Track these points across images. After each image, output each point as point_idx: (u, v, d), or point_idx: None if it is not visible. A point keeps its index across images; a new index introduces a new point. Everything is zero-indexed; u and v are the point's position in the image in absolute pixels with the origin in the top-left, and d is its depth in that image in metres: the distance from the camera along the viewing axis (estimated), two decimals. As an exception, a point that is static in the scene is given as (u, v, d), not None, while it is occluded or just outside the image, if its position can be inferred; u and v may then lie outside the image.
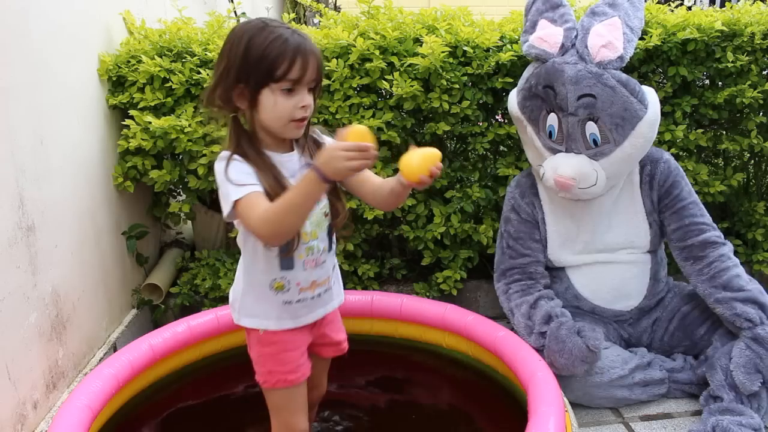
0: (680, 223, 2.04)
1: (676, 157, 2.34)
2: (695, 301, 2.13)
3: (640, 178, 2.07)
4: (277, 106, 1.25)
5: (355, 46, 2.17)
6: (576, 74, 1.89)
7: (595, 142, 1.95)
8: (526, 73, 2.05)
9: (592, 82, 1.89)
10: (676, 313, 2.15)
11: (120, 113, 2.32)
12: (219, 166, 1.26)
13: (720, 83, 2.35)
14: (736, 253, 2.49)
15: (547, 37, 1.96)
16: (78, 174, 2.04)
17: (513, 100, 2.08)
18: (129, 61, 2.25)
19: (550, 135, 2.01)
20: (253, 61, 1.22)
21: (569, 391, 1.93)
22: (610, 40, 1.89)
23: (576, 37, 1.95)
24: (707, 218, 2.04)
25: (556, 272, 2.17)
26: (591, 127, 1.94)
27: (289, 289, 1.36)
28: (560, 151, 1.99)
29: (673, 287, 2.22)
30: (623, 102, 1.90)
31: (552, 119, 1.99)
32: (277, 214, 1.20)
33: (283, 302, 1.37)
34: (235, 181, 1.24)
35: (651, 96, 1.96)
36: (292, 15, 2.61)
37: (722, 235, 2.04)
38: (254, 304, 1.38)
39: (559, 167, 1.95)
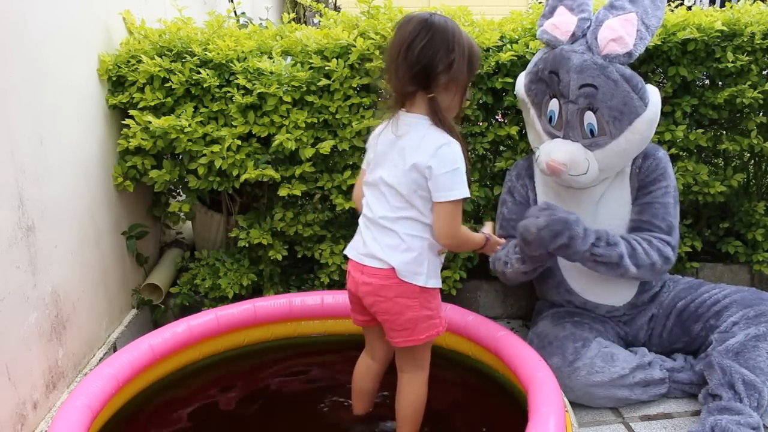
0: (638, 216, 2.05)
1: (677, 157, 2.34)
2: (691, 296, 2.14)
3: (630, 170, 2.08)
4: (466, 95, 1.58)
5: (355, 46, 2.17)
6: (581, 63, 1.91)
7: (591, 132, 1.96)
8: (535, 57, 2.07)
9: (595, 73, 1.90)
10: (673, 309, 2.15)
11: (120, 113, 2.32)
12: (453, 150, 1.49)
13: (720, 83, 2.35)
14: (735, 253, 2.52)
15: (560, 24, 1.99)
16: (78, 174, 2.04)
17: (520, 81, 2.11)
18: (129, 61, 2.25)
19: (550, 120, 2.03)
20: (476, 57, 1.54)
21: (569, 391, 1.93)
22: (621, 35, 1.90)
23: (588, 27, 1.96)
24: (666, 222, 2.02)
25: (551, 264, 2.17)
26: (589, 117, 1.95)
27: (443, 253, 1.65)
28: (558, 137, 2.00)
29: (668, 281, 2.22)
30: (624, 96, 1.91)
31: (553, 105, 2.01)
32: (462, 240, 1.61)
33: (441, 264, 1.66)
34: (464, 178, 1.51)
35: (653, 95, 1.97)
36: (292, 15, 2.60)
37: (671, 240, 2.01)
38: (433, 267, 1.61)
39: (552, 152, 1.97)
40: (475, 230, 1.73)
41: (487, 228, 1.76)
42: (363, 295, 1.62)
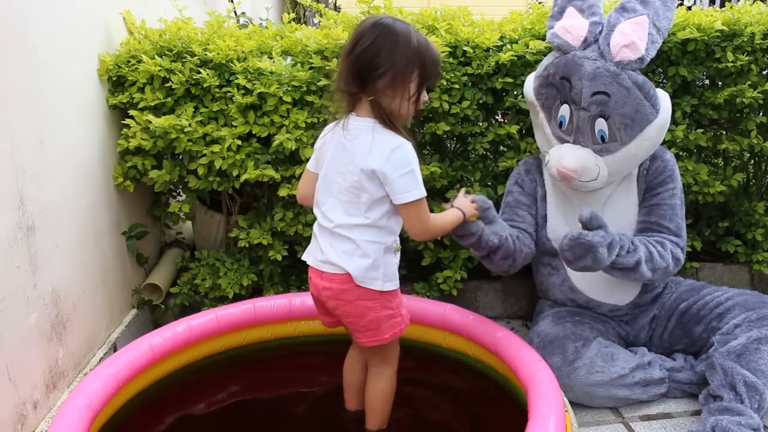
0: (646, 218, 2.05)
1: (677, 157, 2.34)
2: (693, 298, 2.14)
3: (638, 172, 2.08)
4: (421, 99, 1.54)
5: (355, 46, 2.17)
6: (594, 71, 1.91)
7: (602, 138, 1.96)
8: (545, 61, 2.06)
9: (608, 80, 1.90)
10: (675, 310, 2.15)
11: (120, 113, 2.32)
12: (406, 152, 1.48)
13: (720, 83, 2.35)
14: (735, 253, 2.52)
15: (572, 28, 1.97)
16: (78, 174, 2.04)
17: (529, 84, 2.10)
18: (129, 61, 2.25)
19: (560, 125, 2.02)
20: (430, 63, 1.50)
21: (569, 391, 1.93)
22: (633, 41, 1.89)
23: (600, 32, 1.95)
24: (674, 224, 2.02)
25: (555, 262, 2.17)
26: (600, 124, 1.95)
27: (398, 250, 1.65)
28: (568, 142, 2.00)
29: (670, 282, 2.22)
30: (636, 104, 1.91)
31: (564, 110, 2.00)
32: (436, 231, 1.63)
33: (397, 263, 1.64)
34: (419, 177, 1.51)
35: (664, 101, 1.97)
36: (292, 15, 2.60)
37: (680, 242, 2.01)
38: (389, 270, 1.60)
39: (563, 158, 1.97)
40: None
41: (458, 200, 1.77)
42: (325, 299, 1.63)
